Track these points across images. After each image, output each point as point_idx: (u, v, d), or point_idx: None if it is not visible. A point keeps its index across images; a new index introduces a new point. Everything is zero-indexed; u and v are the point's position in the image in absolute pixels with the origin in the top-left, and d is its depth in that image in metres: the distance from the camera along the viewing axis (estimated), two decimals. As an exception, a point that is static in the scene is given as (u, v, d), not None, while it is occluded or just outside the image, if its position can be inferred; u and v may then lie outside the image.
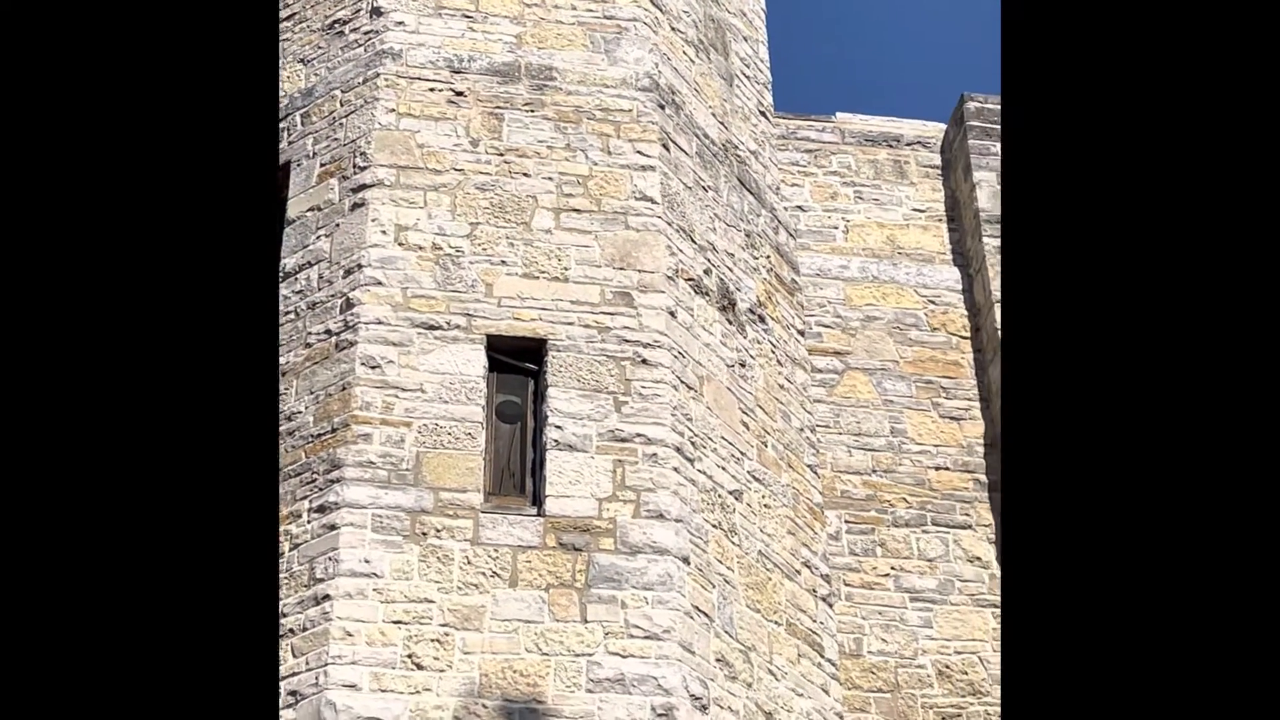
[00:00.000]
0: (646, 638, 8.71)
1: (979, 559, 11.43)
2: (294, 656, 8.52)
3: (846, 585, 11.19)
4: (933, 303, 12.64)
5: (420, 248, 9.91)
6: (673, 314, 10.04)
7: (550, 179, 10.40)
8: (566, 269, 10.02)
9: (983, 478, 11.80)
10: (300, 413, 9.40)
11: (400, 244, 9.89)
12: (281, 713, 8.32)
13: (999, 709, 10.82)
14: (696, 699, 8.69)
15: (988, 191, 12.83)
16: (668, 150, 10.80)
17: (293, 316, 9.89)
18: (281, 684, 8.41)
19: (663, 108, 10.95)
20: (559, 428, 9.36)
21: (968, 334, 12.51)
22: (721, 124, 11.78)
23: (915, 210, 13.15)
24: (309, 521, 8.92)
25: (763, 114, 12.64)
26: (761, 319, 11.09)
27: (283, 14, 11.54)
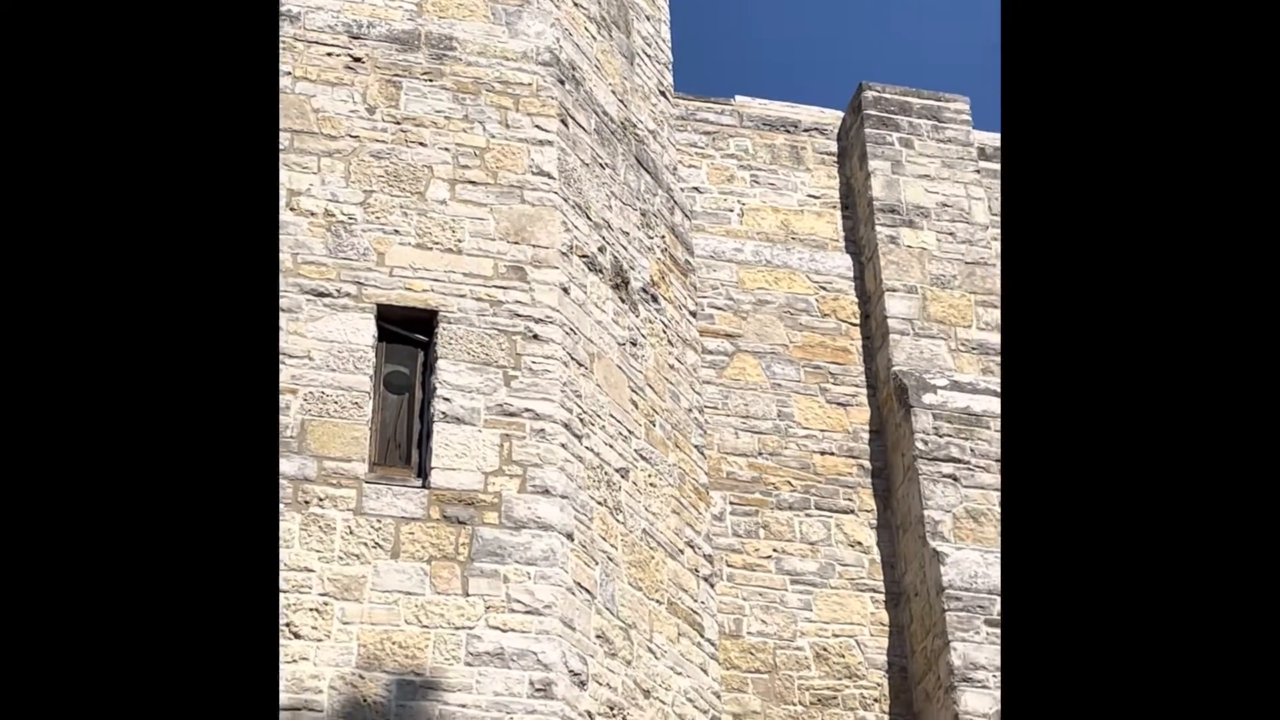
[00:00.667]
0: (527, 613, 8.71)
1: (860, 544, 11.55)
2: (169, 622, 8.42)
3: (729, 566, 11.26)
4: (824, 289, 12.73)
5: (312, 214, 9.81)
6: (566, 290, 10.03)
7: (447, 149, 10.33)
8: (460, 241, 9.97)
9: (867, 463, 11.92)
10: (184, 376, 9.27)
11: (292, 209, 9.78)
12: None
13: (874, 692, 10.95)
14: (575, 675, 8.71)
15: (882, 180, 12.94)
16: (566, 126, 10.77)
17: (180, 278, 9.75)
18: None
19: (562, 83, 10.91)
20: (447, 400, 9.32)
21: (857, 321, 12.62)
22: (621, 102, 11.77)
23: (810, 196, 13.24)
24: (189, 486, 8.81)
25: (663, 94, 12.64)
26: (654, 298, 11.11)
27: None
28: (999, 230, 13.35)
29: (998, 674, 10.41)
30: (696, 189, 13.08)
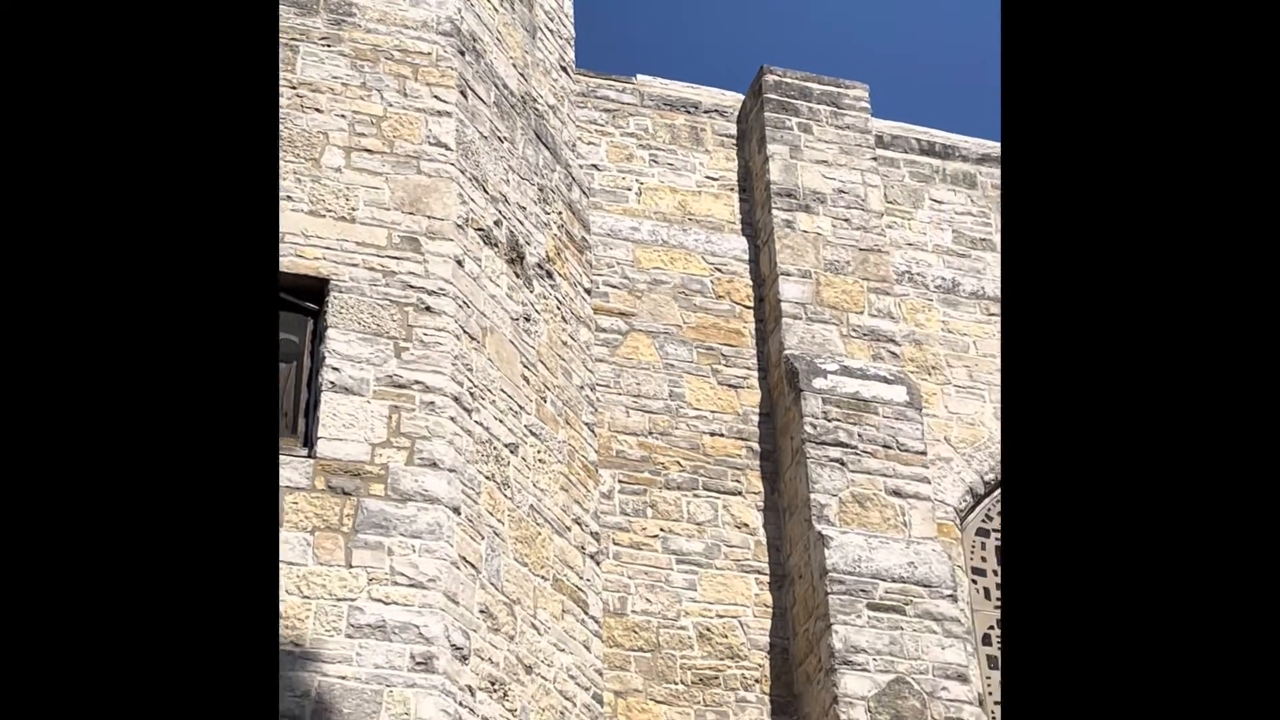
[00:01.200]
0: (411, 585, 8.66)
1: (746, 525, 11.60)
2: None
3: (615, 544, 11.27)
4: (719, 270, 12.76)
5: (204, 176, 9.65)
6: (460, 263, 9.96)
7: (343, 117, 10.21)
8: (354, 209, 9.86)
9: (756, 446, 11.97)
10: (66, 337, 9.10)
11: (183, 171, 9.62)
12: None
13: (755, 673, 11.02)
14: (457, 649, 8.67)
15: (780, 164, 12.98)
16: (465, 97, 10.69)
17: (65, 237, 9.56)
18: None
19: (463, 54, 10.83)
20: (336, 369, 9.23)
21: (751, 304, 12.66)
22: (521, 76, 11.70)
23: (708, 178, 13.25)
24: (69, 449, 8.65)
25: (564, 69, 12.59)
26: (549, 274, 11.07)
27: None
28: (893, 219, 13.46)
29: (878, 657, 10.52)
30: (595, 166, 13.04)
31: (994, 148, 14.10)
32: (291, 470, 8.83)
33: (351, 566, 8.64)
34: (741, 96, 13.73)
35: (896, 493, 11.33)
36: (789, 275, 12.44)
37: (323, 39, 10.44)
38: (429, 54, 10.63)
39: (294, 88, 10.18)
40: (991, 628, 11.86)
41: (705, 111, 13.59)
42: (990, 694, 11.49)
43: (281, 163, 9.87)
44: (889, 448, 11.53)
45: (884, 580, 10.85)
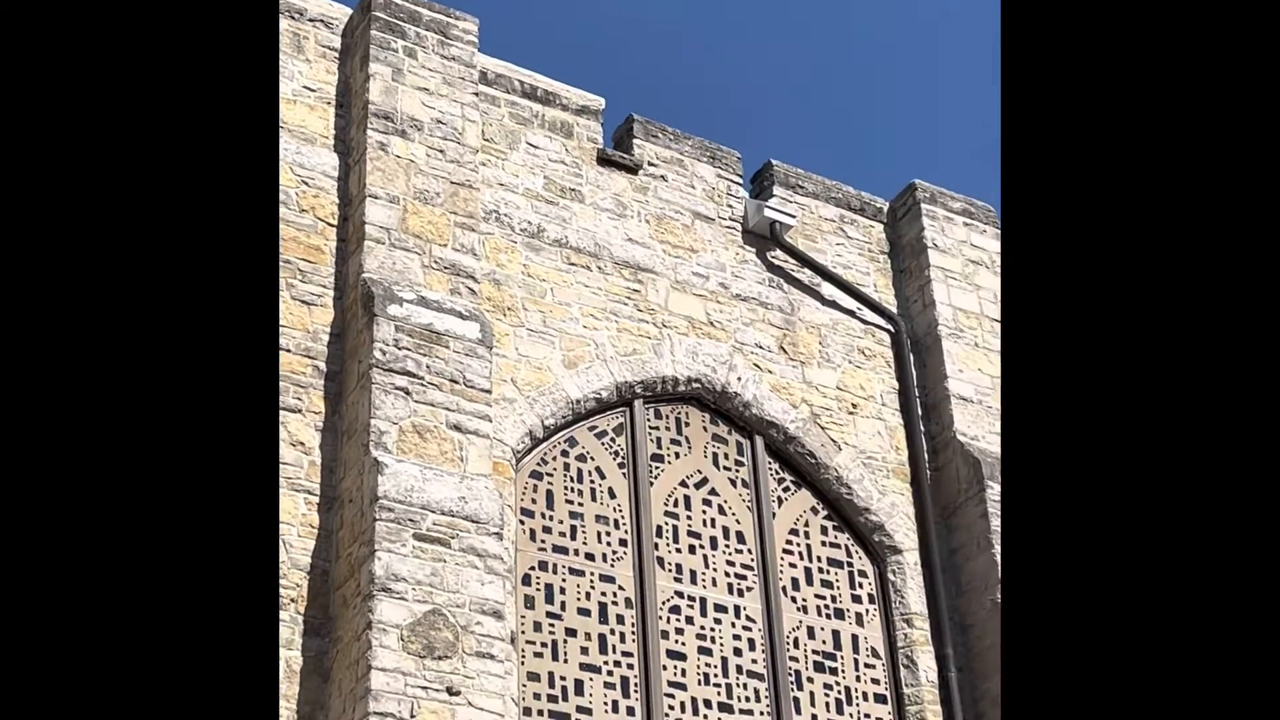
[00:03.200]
0: None
1: (302, 444, 11.45)
2: None
3: (163, 449, 10.91)
4: (306, 184, 12.50)
5: None
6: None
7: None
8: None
9: (322, 365, 11.82)
10: None
11: None
12: None
13: (293, 593, 10.89)
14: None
15: (381, 85, 12.81)
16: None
17: None
18: None
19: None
20: None
21: (335, 223, 12.47)
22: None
23: (306, 88, 12.95)
24: None
25: (166, -47, 12.05)
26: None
27: None
28: (487, 156, 13.48)
29: (418, 587, 10.57)
30: (188, 59, 12.54)
31: (594, 100, 14.30)
32: None
33: None
34: (350, 10, 13.47)
35: (457, 427, 11.39)
36: (377, 199, 12.30)
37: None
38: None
39: None
40: (533, 568, 12.09)
41: (310, 19, 13.27)
42: (523, 633, 11.72)
43: None
44: (455, 382, 11.57)
45: (433, 512, 10.90)
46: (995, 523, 13.40)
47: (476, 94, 13.35)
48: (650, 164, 14.35)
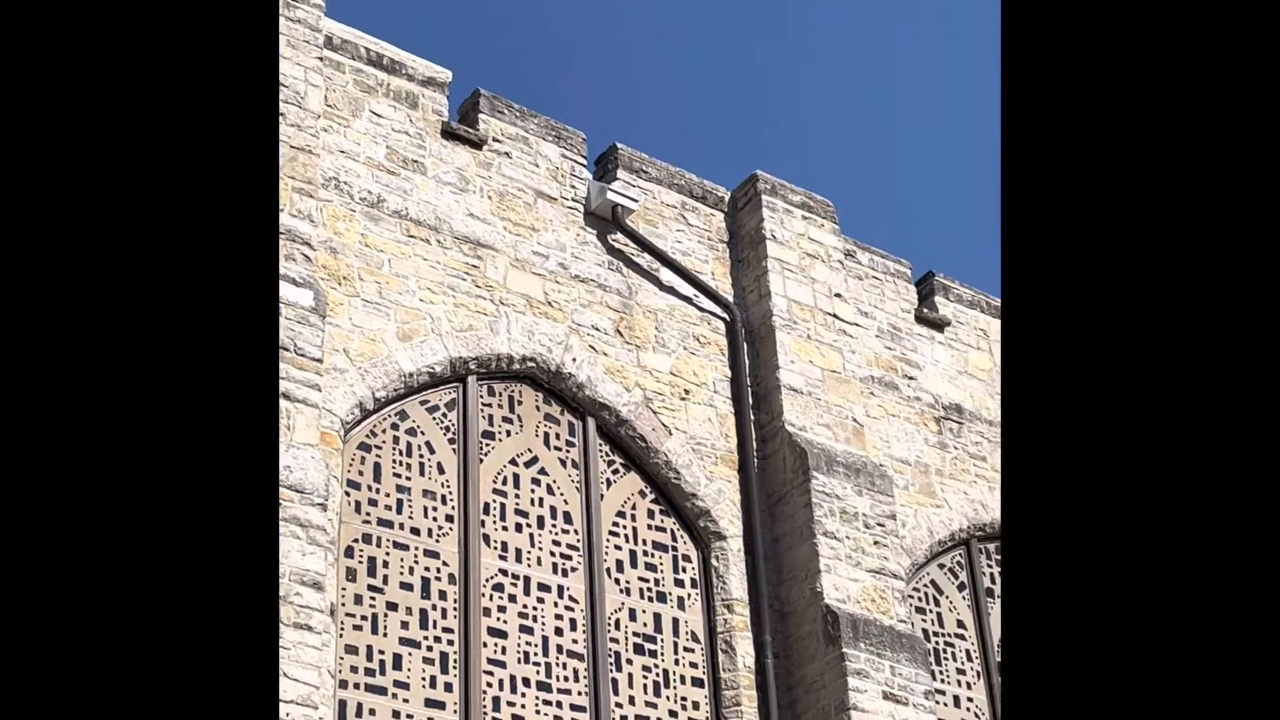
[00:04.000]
0: None
1: (124, 405, 11.23)
2: None
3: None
4: (141, 140, 12.25)
5: None
6: None
7: None
8: None
9: (149, 326, 11.60)
10: None
11: None
12: None
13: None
14: None
15: (223, 44, 12.57)
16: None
17: None
18: None
19: None
20: None
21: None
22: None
23: (145, 42, 12.68)
24: None
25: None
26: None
27: None
28: (329, 122, 13.31)
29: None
30: None
31: (441, 72, 14.19)
32: None
33: None
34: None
35: (286, 395, 11.25)
36: (214, 159, 12.08)
37: None
38: None
39: None
40: (356, 540, 12.00)
41: (153, -27, 12.98)
42: (343, 605, 11.63)
43: None
44: (286, 350, 11.42)
45: (256, 480, 10.74)
46: (818, 513, 13.61)
47: (320, 59, 13.17)
48: (495, 140, 14.29)
